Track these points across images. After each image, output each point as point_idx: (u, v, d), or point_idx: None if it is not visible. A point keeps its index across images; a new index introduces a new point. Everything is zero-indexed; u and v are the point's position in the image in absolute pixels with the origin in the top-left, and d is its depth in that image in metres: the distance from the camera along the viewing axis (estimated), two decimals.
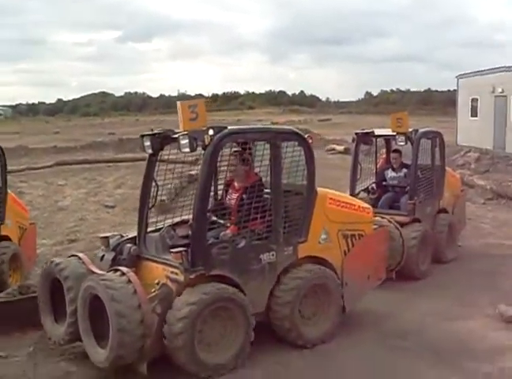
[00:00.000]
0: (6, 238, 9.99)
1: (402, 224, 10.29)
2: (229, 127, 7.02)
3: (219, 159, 7.22)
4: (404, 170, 11.40)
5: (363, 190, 11.68)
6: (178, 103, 6.79)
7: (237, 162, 7.67)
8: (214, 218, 7.57)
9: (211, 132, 6.68)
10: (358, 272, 7.99)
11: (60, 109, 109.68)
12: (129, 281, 6.35)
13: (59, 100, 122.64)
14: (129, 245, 7.35)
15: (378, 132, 11.60)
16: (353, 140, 11.59)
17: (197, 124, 6.67)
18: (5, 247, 9.70)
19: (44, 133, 50.45)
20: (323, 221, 7.69)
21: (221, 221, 7.51)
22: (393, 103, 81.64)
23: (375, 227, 8.65)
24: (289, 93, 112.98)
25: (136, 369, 6.34)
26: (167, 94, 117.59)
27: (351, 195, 10.90)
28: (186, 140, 6.62)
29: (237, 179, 7.86)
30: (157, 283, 6.57)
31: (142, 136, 7.34)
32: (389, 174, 11.66)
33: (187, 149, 6.64)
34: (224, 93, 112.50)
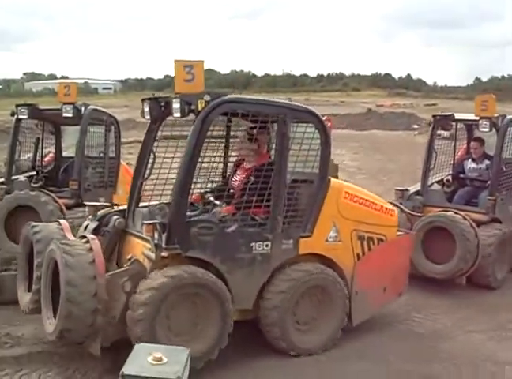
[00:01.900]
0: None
1: (479, 223, 8.99)
2: (230, 95, 6.27)
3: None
4: (487, 161, 9.92)
5: (437, 182, 10.30)
6: (174, 60, 6.11)
7: (245, 139, 6.93)
8: (212, 199, 6.87)
9: (207, 97, 5.94)
10: (372, 282, 6.95)
11: (167, 84, 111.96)
12: (91, 249, 5.86)
13: (166, 76, 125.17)
14: (115, 217, 6.73)
15: (458, 116, 10.14)
16: (429, 124, 10.29)
17: (193, 87, 5.99)
18: None
19: None
20: (334, 217, 6.70)
21: (217, 202, 6.73)
22: (503, 90, 78.69)
23: (400, 233, 7.50)
24: (395, 76, 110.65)
25: (88, 350, 5.84)
26: (272, 73, 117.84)
27: (422, 186, 9.88)
28: (178, 105, 5.95)
29: (247, 159, 7.12)
30: (129, 259, 6.01)
31: (143, 100, 6.66)
32: (469, 165, 10.18)
33: (178, 114, 5.98)
34: (328, 74, 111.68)
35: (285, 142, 6.36)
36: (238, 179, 7.07)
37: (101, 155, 10.57)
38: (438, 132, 10.45)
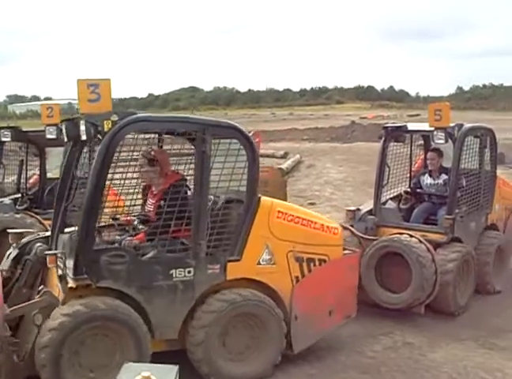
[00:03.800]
0: None
1: (437, 245, 8.21)
2: (140, 114, 5.98)
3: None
4: (444, 176, 9.13)
5: (392, 198, 9.47)
6: (77, 80, 5.76)
7: (144, 163, 6.48)
8: (136, 223, 6.56)
9: (114, 117, 5.62)
10: (314, 305, 6.50)
11: (151, 103, 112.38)
12: None
13: (150, 94, 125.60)
14: (38, 244, 6.40)
15: (412, 126, 9.33)
16: (380, 137, 9.29)
17: (99, 107, 5.64)
18: None
19: None
20: (266, 238, 6.27)
21: (141, 227, 6.45)
22: (485, 98, 79.52)
23: (347, 252, 7.03)
24: (378, 88, 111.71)
25: None
26: (255, 88, 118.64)
27: (375, 203, 9.02)
28: (84, 127, 5.64)
29: (152, 183, 6.71)
30: (40, 290, 5.76)
31: (61, 121, 6.34)
32: (426, 180, 9.38)
33: (85, 136, 5.67)
34: (312, 88, 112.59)
35: (205, 161, 5.97)
36: (150, 205, 6.68)
37: (86, 175, 10.52)
38: (420, 142, 10.05)
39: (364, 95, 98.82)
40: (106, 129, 5.60)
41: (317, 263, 6.57)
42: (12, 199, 10.38)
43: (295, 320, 6.38)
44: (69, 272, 5.55)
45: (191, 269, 5.90)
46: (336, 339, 7.15)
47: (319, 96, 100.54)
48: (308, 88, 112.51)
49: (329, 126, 44.31)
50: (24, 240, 6.53)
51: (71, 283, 5.56)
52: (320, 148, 33.26)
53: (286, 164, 24.13)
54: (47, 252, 5.85)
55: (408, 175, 9.79)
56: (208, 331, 5.88)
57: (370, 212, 8.99)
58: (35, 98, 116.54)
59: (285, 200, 11.61)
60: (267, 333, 6.20)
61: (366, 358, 6.84)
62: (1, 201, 10.11)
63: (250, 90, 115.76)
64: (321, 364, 6.61)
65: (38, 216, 9.64)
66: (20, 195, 10.72)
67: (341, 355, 6.86)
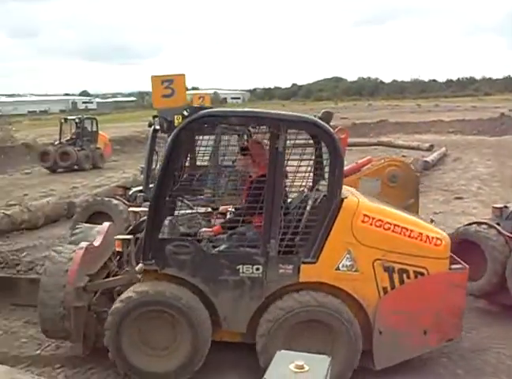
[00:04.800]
0: None
1: None
2: (216, 109, 6.16)
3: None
4: None
5: None
6: (151, 76, 6.03)
7: (238, 151, 6.60)
8: (229, 215, 6.60)
9: (185, 112, 5.80)
10: (404, 321, 5.84)
11: (294, 93, 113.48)
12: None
13: (294, 85, 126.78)
14: None
15: None
16: None
17: (173, 101, 5.97)
18: None
19: None
20: (348, 242, 5.80)
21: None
22: None
23: (456, 267, 6.11)
24: None
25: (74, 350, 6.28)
26: (399, 79, 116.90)
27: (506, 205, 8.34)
28: (159, 121, 5.98)
29: (248, 173, 6.78)
30: (123, 268, 6.24)
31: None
32: None
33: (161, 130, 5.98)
34: (458, 79, 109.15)
35: (279, 157, 5.77)
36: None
37: (234, 163, 10.77)
38: None
39: None
40: (176, 124, 5.82)
41: (411, 275, 5.89)
42: None
43: (379, 334, 5.85)
44: (132, 258, 6.03)
45: (259, 267, 5.79)
46: (482, 340, 6.88)
47: (466, 87, 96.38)
48: (454, 79, 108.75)
49: (477, 119, 42.62)
50: (141, 219, 6.87)
51: (139, 267, 5.96)
52: (467, 140, 32.28)
53: (431, 157, 23.76)
54: (116, 236, 6.30)
55: None
56: (271, 326, 5.75)
57: None
58: None
59: (416, 197, 11.05)
60: (337, 341, 5.79)
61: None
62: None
63: (394, 81, 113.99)
64: (468, 365, 6.32)
65: (188, 202, 9.97)
66: None
67: (490, 358, 6.51)
